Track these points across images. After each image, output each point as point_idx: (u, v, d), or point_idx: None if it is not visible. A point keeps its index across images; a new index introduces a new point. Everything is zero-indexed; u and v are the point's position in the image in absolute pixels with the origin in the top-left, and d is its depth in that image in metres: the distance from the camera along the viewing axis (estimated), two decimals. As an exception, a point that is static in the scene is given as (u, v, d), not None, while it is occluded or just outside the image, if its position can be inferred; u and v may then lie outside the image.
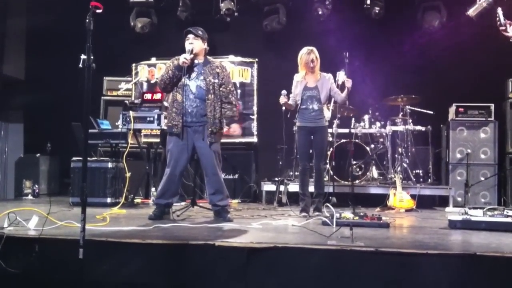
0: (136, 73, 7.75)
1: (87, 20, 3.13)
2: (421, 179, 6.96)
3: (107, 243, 3.33)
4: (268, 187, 6.84)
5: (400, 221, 4.99)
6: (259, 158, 7.57)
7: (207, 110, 4.64)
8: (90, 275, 3.02)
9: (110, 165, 5.98)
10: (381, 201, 6.29)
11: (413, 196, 6.20)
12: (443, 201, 6.72)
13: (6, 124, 8.00)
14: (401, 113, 7.08)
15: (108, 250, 3.29)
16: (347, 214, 4.48)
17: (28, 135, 8.17)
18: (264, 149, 7.64)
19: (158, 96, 6.17)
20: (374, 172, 7.01)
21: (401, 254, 3.10)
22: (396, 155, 6.92)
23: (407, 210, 6.02)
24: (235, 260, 3.15)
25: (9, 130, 8.04)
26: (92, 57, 3.15)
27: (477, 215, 4.39)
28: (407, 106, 6.99)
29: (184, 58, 4.59)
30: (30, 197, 7.07)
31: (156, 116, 6.02)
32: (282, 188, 6.58)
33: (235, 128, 4.84)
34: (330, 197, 6.07)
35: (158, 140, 7.04)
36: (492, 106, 6.96)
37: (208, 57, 4.88)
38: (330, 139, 6.62)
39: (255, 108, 7.48)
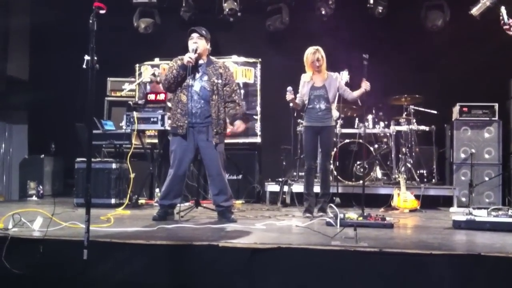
0: (140, 74, 7.75)
1: (91, 21, 3.13)
2: (425, 179, 6.94)
3: (112, 244, 3.32)
4: (271, 187, 6.84)
5: (404, 222, 4.97)
6: (262, 159, 7.57)
7: (211, 111, 4.64)
8: (94, 276, 3.03)
9: (114, 166, 5.98)
10: (385, 201, 6.27)
11: (417, 196, 6.18)
12: (447, 201, 6.69)
13: (10, 125, 8.04)
14: (405, 113, 7.07)
15: (113, 251, 3.28)
16: (351, 215, 4.47)
17: (32, 136, 8.19)
18: (268, 150, 7.64)
19: (161, 96, 6.17)
20: (378, 172, 7.00)
21: (405, 254, 3.08)
22: (400, 155, 6.90)
23: (411, 210, 6.00)
24: (239, 260, 3.15)
25: (13, 131, 8.07)
26: (96, 58, 3.15)
27: (481, 215, 4.37)
28: (410, 106, 6.98)
29: (188, 57, 4.55)
30: (34, 198, 7.07)
31: (159, 117, 6.03)
32: (286, 188, 6.58)
33: (239, 124, 4.83)
34: (334, 198, 6.06)
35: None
36: (496, 105, 6.93)
37: (211, 57, 4.87)
38: (334, 139, 6.61)
39: (258, 109, 7.49)
